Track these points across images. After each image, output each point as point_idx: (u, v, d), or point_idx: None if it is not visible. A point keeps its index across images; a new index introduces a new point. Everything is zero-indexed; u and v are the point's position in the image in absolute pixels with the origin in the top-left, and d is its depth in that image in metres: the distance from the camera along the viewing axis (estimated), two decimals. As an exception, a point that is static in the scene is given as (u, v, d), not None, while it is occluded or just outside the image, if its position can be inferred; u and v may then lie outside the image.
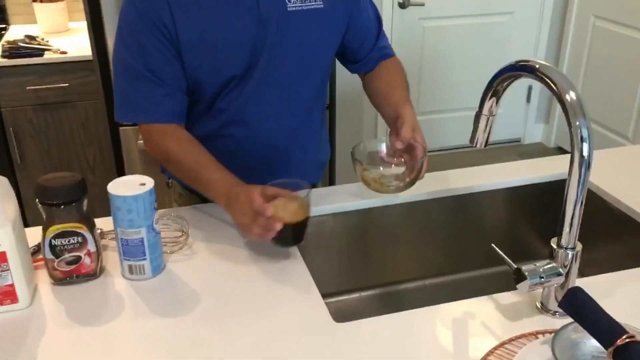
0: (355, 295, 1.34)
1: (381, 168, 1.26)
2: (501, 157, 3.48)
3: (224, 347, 0.90)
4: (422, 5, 3.23)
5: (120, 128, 2.39)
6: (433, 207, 1.35)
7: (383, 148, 1.27)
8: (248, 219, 1.03)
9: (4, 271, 0.94)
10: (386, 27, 3.28)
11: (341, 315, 1.30)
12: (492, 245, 1.01)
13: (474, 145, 1.04)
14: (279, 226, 1.00)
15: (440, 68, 3.46)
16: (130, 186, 1.01)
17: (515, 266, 0.93)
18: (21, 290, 0.96)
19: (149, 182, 1.02)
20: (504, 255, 0.97)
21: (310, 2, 1.21)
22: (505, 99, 0.98)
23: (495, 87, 0.96)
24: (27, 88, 2.39)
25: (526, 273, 0.91)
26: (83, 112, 2.49)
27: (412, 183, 1.22)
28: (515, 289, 0.94)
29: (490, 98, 0.98)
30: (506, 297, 1.01)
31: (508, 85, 0.95)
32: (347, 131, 2.87)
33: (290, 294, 1.02)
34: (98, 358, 0.88)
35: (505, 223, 1.43)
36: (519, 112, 3.71)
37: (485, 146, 1.05)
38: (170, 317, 0.96)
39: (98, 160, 2.59)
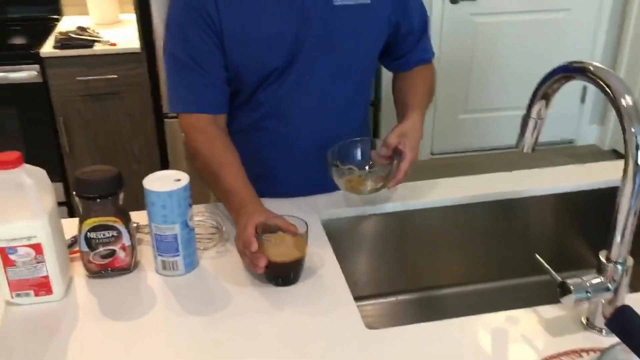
0: (392, 299, 1.31)
1: (355, 168, 1.21)
2: (552, 159, 3.37)
3: (251, 348, 0.89)
4: (474, 0, 3.15)
5: (166, 120, 2.42)
6: (477, 210, 1.31)
7: (359, 149, 1.22)
8: (241, 246, 1.02)
9: (39, 262, 0.95)
10: (436, 23, 3.22)
11: (376, 319, 1.27)
12: (536, 255, 0.96)
13: (521, 149, 0.99)
14: (262, 263, 0.97)
15: (491, 65, 3.37)
16: (165, 181, 1.00)
17: (560, 279, 0.88)
18: (56, 282, 0.97)
19: (185, 178, 1.01)
20: (548, 267, 0.92)
21: None
22: (558, 97, 0.92)
23: (546, 89, 0.91)
24: (77, 79, 2.44)
25: (572, 287, 0.86)
26: (130, 103, 2.53)
27: (383, 186, 1.17)
28: (559, 301, 0.89)
29: (539, 100, 0.93)
30: (550, 310, 0.96)
31: (559, 87, 0.90)
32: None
33: (322, 297, 0.99)
34: (128, 353, 0.88)
35: (552, 230, 1.37)
36: (573, 112, 3.58)
37: (532, 151, 1.00)
38: (201, 315, 0.95)
39: (144, 152, 2.62)
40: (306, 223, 1.01)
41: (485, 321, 0.95)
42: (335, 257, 1.09)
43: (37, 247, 0.94)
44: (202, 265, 1.07)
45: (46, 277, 0.96)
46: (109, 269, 1.03)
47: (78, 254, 1.04)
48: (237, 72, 1.19)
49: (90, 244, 1.01)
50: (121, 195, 1.02)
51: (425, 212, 1.28)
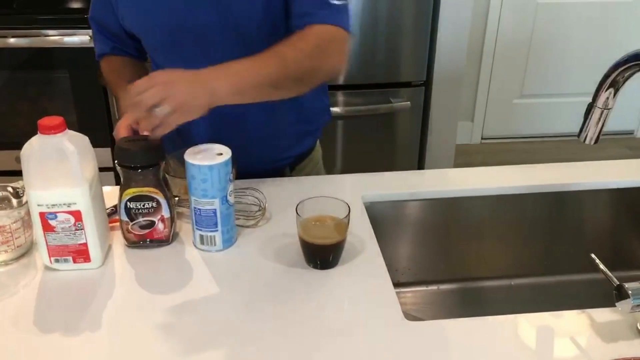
0: (433, 287, 1.27)
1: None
2: (610, 150, 3.23)
3: (281, 332, 0.86)
4: (537, -21, 3.02)
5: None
6: (527, 201, 1.25)
7: None
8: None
9: (78, 229, 0.94)
10: (496, 3, 3.10)
11: (415, 307, 1.24)
12: (592, 255, 0.90)
13: (583, 140, 0.93)
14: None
15: (552, 49, 3.24)
16: (207, 155, 0.98)
17: (617, 282, 0.82)
18: (94, 250, 0.97)
19: (227, 153, 0.98)
20: (604, 268, 0.87)
21: None
22: (622, 86, 0.86)
23: (615, 76, 0.85)
24: (129, 45, 2.45)
25: (629, 292, 0.80)
26: (180, 72, 2.52)
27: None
28: (613, 305, 0.84)
29: (607, 89, 0.86)
30: (602, 314, 0.90)
31: (631, 76, 0.83)
32: (443, 111, 2.73)
33: (361, 282, 0.96)
34: (161, 326, 0.87)
35: (607, 228, 1.30)
36: (634, 101, 3.40)
37: (595, 142, 0.94)
38: (236, 294, 0.93)
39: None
40: (348, 206, 0.97)
41: (531, 320, 0.90)
42: (376, 242, 1.05)
43: (76, 214, 0.93)
44: (240, 242, 1.05)
45: (85, 244, 0.96)
46: (148, 240, 1.02)
47: (118, 223, 1.04)
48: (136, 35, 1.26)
49: (130, 213, 1.00)
50: (162, 166, 1.00)
51: (473, 200, 1.23)
